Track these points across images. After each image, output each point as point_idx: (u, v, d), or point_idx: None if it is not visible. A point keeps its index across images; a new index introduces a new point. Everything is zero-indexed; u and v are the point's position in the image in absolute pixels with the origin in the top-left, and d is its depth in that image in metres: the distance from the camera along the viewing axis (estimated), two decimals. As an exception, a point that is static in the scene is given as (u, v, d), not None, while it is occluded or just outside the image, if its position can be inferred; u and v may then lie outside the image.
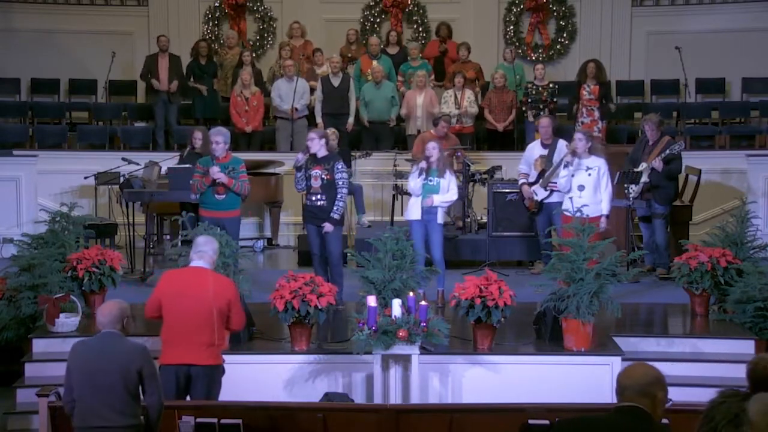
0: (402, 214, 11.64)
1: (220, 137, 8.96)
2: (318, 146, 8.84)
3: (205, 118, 13.84)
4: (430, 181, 8.96)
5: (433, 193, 8.96)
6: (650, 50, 14.75)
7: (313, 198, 8.85)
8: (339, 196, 8.82)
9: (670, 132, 12.11)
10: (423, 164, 8.94)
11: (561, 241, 7.73)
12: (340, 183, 8.84)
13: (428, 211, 8.97)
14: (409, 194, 11.14)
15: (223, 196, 8.97)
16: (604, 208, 9.36)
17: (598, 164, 9.37)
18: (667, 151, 10.08)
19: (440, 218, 9.06)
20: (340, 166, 8.88)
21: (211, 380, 6.27)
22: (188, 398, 6.30)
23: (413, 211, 9.02)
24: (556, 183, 9.79)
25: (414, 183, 8.98)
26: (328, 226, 8.79)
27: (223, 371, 6.37)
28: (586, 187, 9.29)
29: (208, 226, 7.80)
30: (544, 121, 10.33)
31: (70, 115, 14.58)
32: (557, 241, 7.86)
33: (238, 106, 13.07)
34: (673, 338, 8.12)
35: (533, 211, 10.29)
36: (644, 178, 10.10)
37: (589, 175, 9.31)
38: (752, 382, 4.50)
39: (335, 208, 8.80)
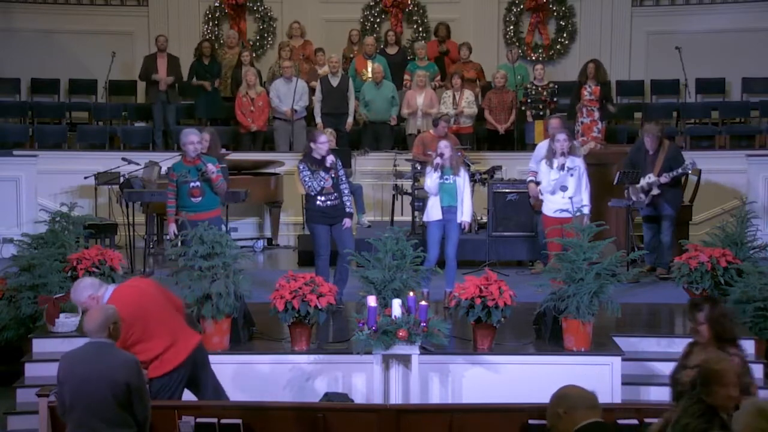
0: (402, 215, 11.69)
1: (195, 137, 8.86)
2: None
3: (208, 118, 13.86)
4: (447, 179, 8.97)
5: (451, 192, 8.98)
6: (650, 50, 14.75)
7: (329, 198, 8.88)
8: (347, 191, 9.01)
9: (671, 132, 12.11)
10: (438, 160, 8.93)
11: (563, 241, 7.73)
12: (344, 178, 9.01)
13: (448, 210, 8.99)
14: (409, 194, 11.21)
15: (199, 198, 8.82)
16: (586, 208, 9.39)
17: (577, 164, 9.40)
18: (679, 170, 10.11)
19: (459, 217, 9.07)
20: (339, 164, 9.02)
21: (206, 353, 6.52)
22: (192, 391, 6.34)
23: (434, 212, 9.01)
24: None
25: (431, 182, 8.97)
26: (348, 222, 8.94)
27: None
28: (569, 188, 9.31)
29: (208, 225, 7.76)
30: (555, 122, 10.29)
31: (70, 115, 14.59)
32: (560, 242, 7.85)
33: (243, 106, 13.08)
34: (673, 338, 8.11)
35: (538, 210, 10.29)
36: (655, 191, 10.11)
37: (571, 175, 9.32)
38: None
39: (349, 203, 8.97)
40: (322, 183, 8.82)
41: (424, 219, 9.20)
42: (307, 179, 8.85)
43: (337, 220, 8.89)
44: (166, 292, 6.46)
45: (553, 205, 9.29)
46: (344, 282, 8.80)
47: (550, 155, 9.42)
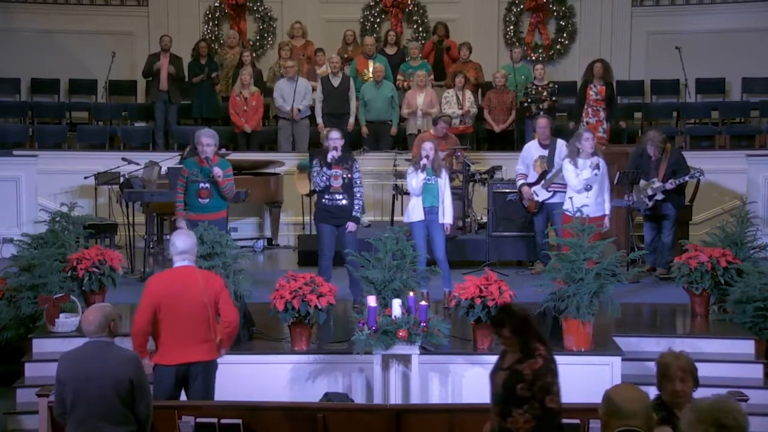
0: (402, 215, 11.67)
1: (210, 139, 8.83)
2: (340, 145, 8.89)
3: (203, 117, 13.86)
4: (429, 180, 8.96)
5: (433, 192, 8.96)
6: (650, 50, 14.76)
7: (335, 197, 8.86)
8: (359, 194, 8.95)
9: (670, 132, 12.09)
10: (424, 161, 8.92)
11: (563, 241, 7.72)
12: (359, 182, 8.96)
13: (430, 211, 8.97)
14: (409, 194, 11.19)
15: (207, 200, 8.81)
16: (607, 207, 9.36)
17: (602, 164, 9.35)
18: (686, 178, 10.13)
19: (441, 217, 9.05)
20: (357, 166, 8.98)
21: (208, 375, 6.27)
22: (183, 395, 6.30)
23: (415, 212, 9.00)
24: (558, 184, 9.78)
25: (416, 183, 8.96)
26: (352, 226, 8.85)
27: (216, 366, 6.36)
28: (593, 188, 9.26)
29: (208, 225, 7.77)
30: (542, 122, 10.30)
31: (70, 115, 14.59)
32: (558, 242, 7.84)
33: (236, 105, 13.07)
34: (673, 338, 8.10)
35: (533, 211, 10.28)
36: (659, 196, 10.11)
37: (596, 174, 9.28)
38: None
39: (357, 207, 8.91)
40: (323, 179, 8.80)
41: (406, 220, 9.11)
42: (314, 175, 8.88)
43: (343, 221, 8.85)
44: (217, 302, 6.20)
45: (576, 204, 9.13)
46: (357, 284, 8.58)
47: (574, 155, 9.34)
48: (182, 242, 6.32)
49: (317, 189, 8.88)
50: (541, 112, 12.64)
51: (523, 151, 10.50)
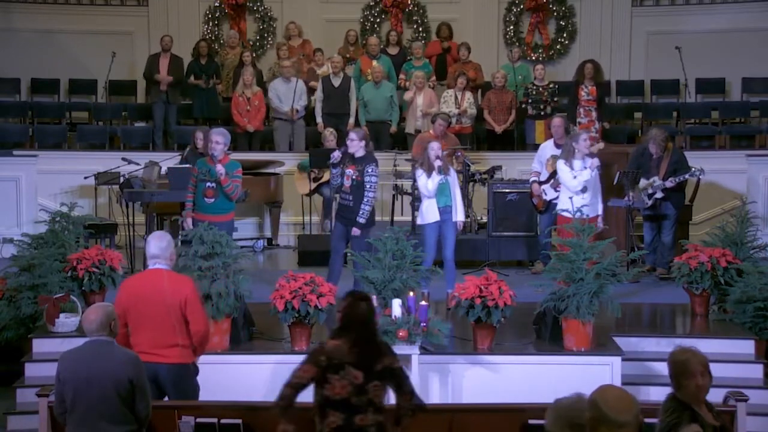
0: (402, 215, 11.68)
1: (219, 137, 8.87)
2: (356, 147, 8.80)
3: (204, 117, 13.86)
4: (441, 180, 8.96)
5: (445, 192, 8.95)
6: (650, 50, 14.75)
7: (343, 196, 8.90)
8: (366, 199, 8.76)
9: (670, 132, 12.09)
10: (439, 162, 8.86)
11: (563, 241, 7.72)
12: (368, 186, 8.76)
13: (444, 211, 8.95)
14: (409, 194, 11.19)
15: (213, 199, 8.81)
16: (600, 207, 9.35)
17: (596, 164, 9.36)
18: (686, 176, 10.12)
19: (454, 216, 9.03)
20: (370, 170, 8.76)
21: (181, 380, 6.09)
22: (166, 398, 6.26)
23: (430, 213, 8.94)
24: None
25: (431, 185, 8.88)
26: (355, 231, 8.77)
27: (195, 370, 6.20)
28: (588, 188, 9.26)
29: (207, 226, 7.77)
30: (557, 121, 10.22)
31: (70, 115, 14.59)
32: (559, 242, 7.84)
33: (239, 105, 13.07)
34: (673, 338, 8.10)
35: (540, 210, 10.25)
36: (659, 194, 10.10)
37: (592, 176, 9.27)
38: None
39: (361, 212, 8.74)
40: (333, 178, 8.90)
41: (420, 222, 9.07)
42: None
43: (351, 222, 8.84)
44: (183, 307, 6.04)
45: (567, 204, 9.02)
46: (358, 284, 8.46)
47: (570, 155, 9.29)
48: (153, 246, 6.15)
49: (333, 185, 9.13)
50: (541, 113, 12.67)
51: (539, 150, 10.44)
